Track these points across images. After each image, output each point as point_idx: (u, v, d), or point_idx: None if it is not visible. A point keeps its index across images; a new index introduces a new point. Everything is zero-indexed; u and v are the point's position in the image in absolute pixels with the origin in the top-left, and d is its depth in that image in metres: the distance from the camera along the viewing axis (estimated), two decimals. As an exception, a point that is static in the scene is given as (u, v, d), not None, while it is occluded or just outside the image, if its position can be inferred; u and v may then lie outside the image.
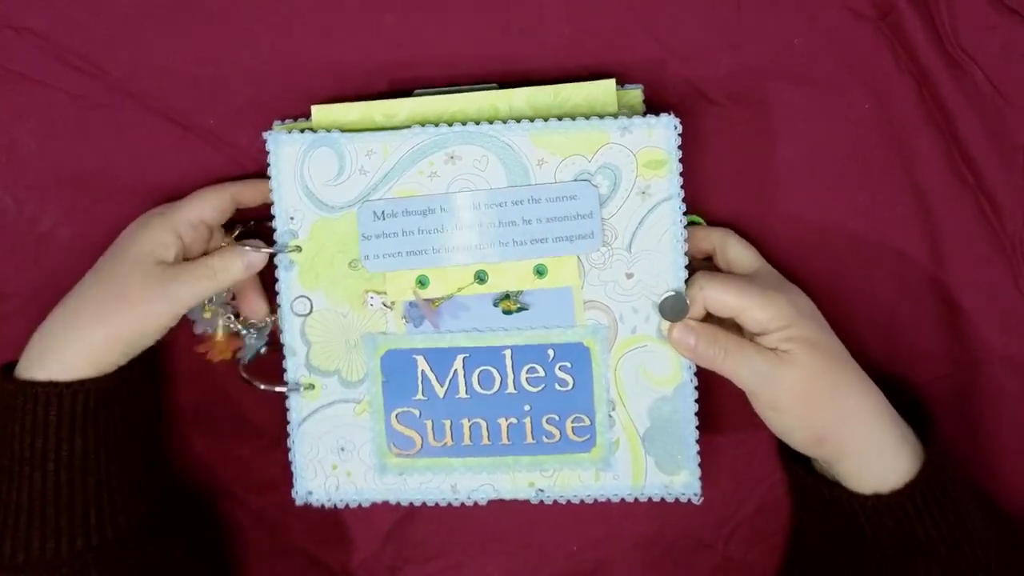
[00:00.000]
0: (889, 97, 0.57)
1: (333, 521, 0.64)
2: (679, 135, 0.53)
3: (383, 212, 0.55)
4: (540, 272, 0.55)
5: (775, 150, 0.58)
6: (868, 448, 0.52)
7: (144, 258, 0.55)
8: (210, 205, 0.57)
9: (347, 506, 0.58)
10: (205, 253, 0.58)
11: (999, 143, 0.56)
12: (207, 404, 0.63)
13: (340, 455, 0.58)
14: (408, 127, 0.55)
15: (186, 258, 0.56)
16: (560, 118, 0.54)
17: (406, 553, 0.63)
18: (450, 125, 0.54)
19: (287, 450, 0.60)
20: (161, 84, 0.59)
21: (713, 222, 0.59)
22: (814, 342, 0.52)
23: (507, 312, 0.56)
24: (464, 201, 0.55)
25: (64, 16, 0.59)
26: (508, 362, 0.56)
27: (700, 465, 0.56)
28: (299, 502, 0.58)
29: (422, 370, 0.57)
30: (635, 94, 0.57)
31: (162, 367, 0.62)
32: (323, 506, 0.58)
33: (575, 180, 0.54)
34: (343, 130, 0.55)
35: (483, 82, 0.58)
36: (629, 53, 0.58)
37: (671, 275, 0.55)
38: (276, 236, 0.56)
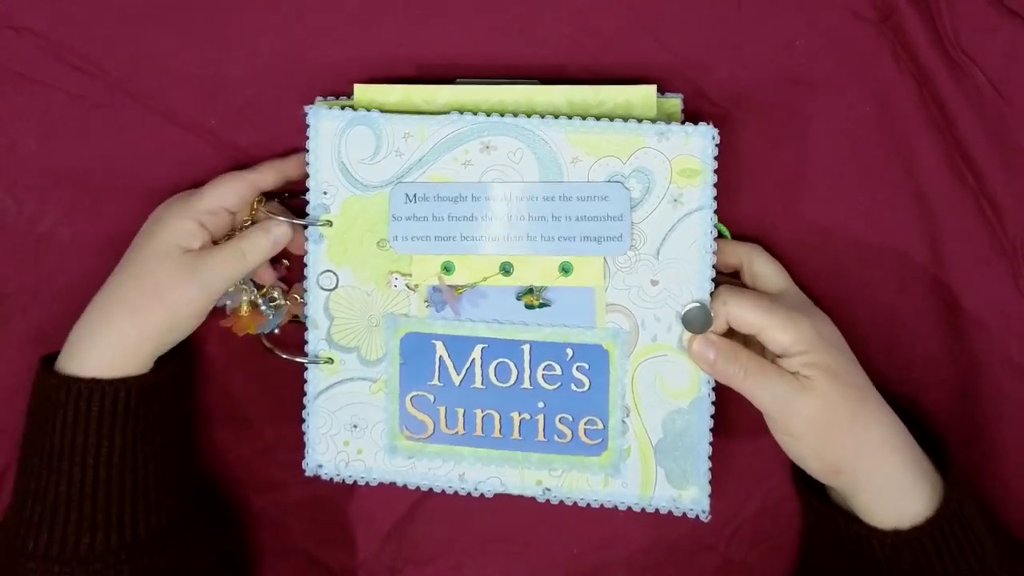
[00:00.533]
0: (890, 98, 0.57)
1: (334, 521, 0.64)
2: (716, 146, 0.53)
3: (415, 195, 0.55)
4: (566, 270, 0.55)
5: (776, 151, 0.58)
6: (885, 483, 0.51)
7: (171, 249, 0.55)
8: (231, 191, 0.56)
9: (355, 483, 0.59)
10: (230, 235, 0.58)
11: (1000, 145, 0.56)
12: (208, 404, 0.63)
13: (352, 432, 0.58)
14: (447, 113, 0.55)
15: (213, 243, 0.57)
16: (598, 118, 0.54)
17: (406, 553, 0.63)
18: (488, 115, 0.55)
19: (288, 450, 0.60)
20: (161, 84, 0.59)
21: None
22: (835, 371, 0.51)
23: (529, 307, 0.56)
24: (497, 192, 0.55)
25: (64, 16, 0.59)
26: (526, 357, 0.56)
27: (711, 482, 0.56)
28: (308, 473, 0.59)
29: (440, 356, 0.57)
30: (674, 103, 0.57)
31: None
32: (331, 480, 0.59)
33: (608, 181, 0.54)
34: (383, 111, 0.56)
35: (524, 77, 0.57)
36: (630, 54, 0.58)
37: (697, 286, 0.54)
38: (309, 209, 0.57)
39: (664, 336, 0.55)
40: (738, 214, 0.58)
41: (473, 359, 0.57)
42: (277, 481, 0.63)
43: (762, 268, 0.57)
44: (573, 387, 0.56)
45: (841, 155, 0.58)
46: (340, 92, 0.59)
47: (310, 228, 0.57)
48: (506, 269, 0.56)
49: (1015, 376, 0.58)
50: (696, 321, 0.54)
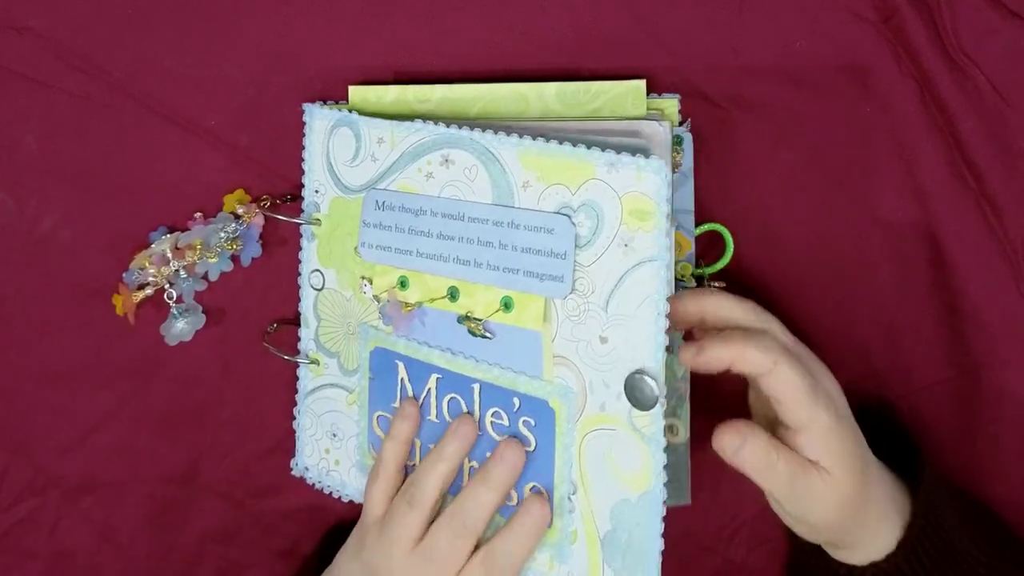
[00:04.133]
0: (891, 100, 0.57)
1: (332, 526, 0.64)
2: (670, 185, 0.45)
3: (383, 203, 0.54)
4: (507, 305, 0.50)
5: (776, 153, 0.58)
6: (870, 541, 0.51)
7: None
8: None
9: (332, 494, 0.59)
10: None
11: (1001, 147, 0.56)
12: (206, 407, 0.63)
13: (332, 441, 0.58)
14: (412, 119, 0.53)
15: None
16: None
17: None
18: (448, 126, 0.51)
19: (286, 454, 0.60)
20: (162, 85, 0.59)
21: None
22: (851, 452, 0.49)
23: (472, 334, 0.51)
24: (451, 209, 0.51)
25: (65, 17, 0.59)
26: (476, 398, 0.52)
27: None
28: (295, 473, 0.59)
29: (401, 378, 0.54)
30: (671, 103, 0.56)
31: (162, 369, 0.62)
32: (314, 485, 0.59)
33: (556, 212, 0.48)
34: (363, 112, 0.55)
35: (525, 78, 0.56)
36: (630, 55, 0.58)
37: (647, 353, 0.45)
38: (303, 206, 0.57)
39: (613, 406, 0.47)
40: (738, 214, 0.58)
41: (429, 388, 0.53)
42: (276, 486, 0.63)
43: (732, 314, 0.50)
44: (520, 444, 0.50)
45: (841, 156, 0.58)
46: (340, 92, 0.59)
47: (303, 226, 0.57)
48: (453, 294, 0.52)
49: (1015, 378, 0.58)
50: (640, 394, 0.45)
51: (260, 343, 0.60)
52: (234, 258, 0.59)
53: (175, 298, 0.59)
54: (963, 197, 0.57)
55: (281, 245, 0.60)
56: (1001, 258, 0.57)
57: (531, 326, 0.49)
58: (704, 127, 0.58)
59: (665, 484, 0.46)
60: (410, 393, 0.54)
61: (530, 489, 0.50)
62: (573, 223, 0.47)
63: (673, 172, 0.54)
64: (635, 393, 0.46)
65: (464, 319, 0.51)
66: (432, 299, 0.53)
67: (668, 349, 0.46)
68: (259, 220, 0.59)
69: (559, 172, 0.48)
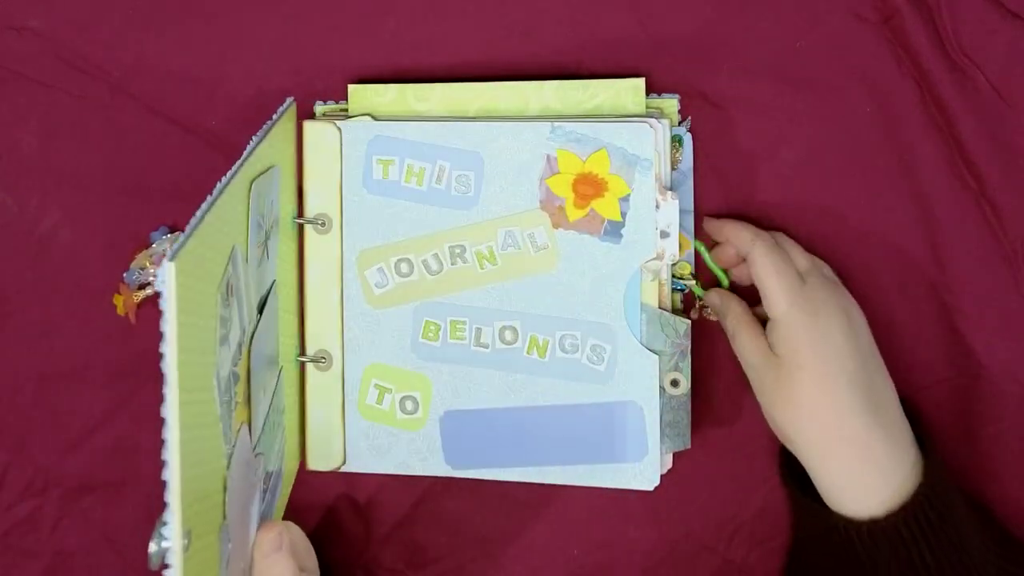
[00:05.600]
0: (891, 101, 0.57)
1: (334, 524, 0.64)
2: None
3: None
4: None
5: (776, 153, 0.58)
6: (846, 470, 0.52)
7: None
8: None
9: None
10: None
11: (1001, 147, 0.56)
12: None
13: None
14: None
15: None
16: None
17: (406, 557, 0.63)
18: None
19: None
20: (162, 85, 0.59)
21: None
22: (821, 357, 0.52)
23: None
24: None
25: (66, 17, 0.59)
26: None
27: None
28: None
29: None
30: (671, 103, 0.57)
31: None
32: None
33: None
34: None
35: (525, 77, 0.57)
36: (630, 55, 0.58)
37: None
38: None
39: None
40: (737, 215, 0.58)
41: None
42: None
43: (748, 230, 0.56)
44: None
45: (841, 156, 0.58)
46: (340, 92, 0.59)
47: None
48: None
49: (1015, 380, 0.58)
50: None
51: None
52: None
53: None
54: (963, 197, 0.57)
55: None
56: (1001, 258, 0.57)
57: None
58: (704, 127, 0.58)
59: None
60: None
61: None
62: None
63: (672, 170, 0.56)
64: None
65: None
66: None
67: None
68: None
69: None
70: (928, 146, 0.57)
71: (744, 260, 0.55)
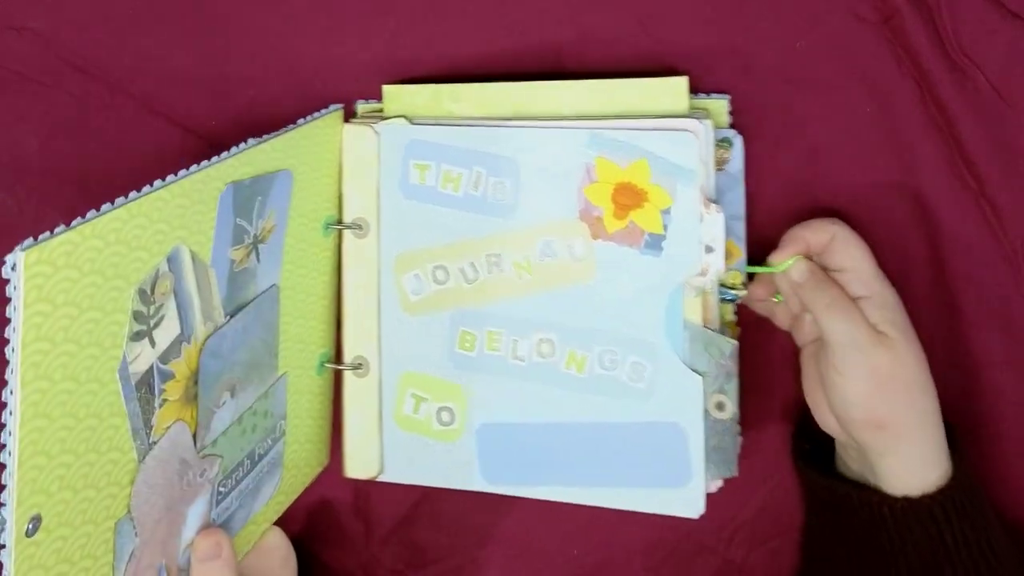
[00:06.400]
0: (891, 101, 0.57)
1: (334, 523, 0.64)
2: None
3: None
4: None
5: (776, 153, 0.58)
6: (919, 450, 0.52)
7: None
8: None
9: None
10: None
11: (1001, 147, 0.56)
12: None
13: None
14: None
15: None
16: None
17: (406, 556, 0.63)
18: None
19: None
20: (162, 85, 0.59)
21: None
22: (911, 337, 0.52)
23: None
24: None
25: (66, 17, 0.59)
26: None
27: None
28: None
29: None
30: (720, 104, 0.56)
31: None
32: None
33: None
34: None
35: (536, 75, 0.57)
36: (630, 55, 0.58)
37: None
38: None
39: None
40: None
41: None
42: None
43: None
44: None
45: (841, 156, 0.58)
46: (340, 92, 0.59)
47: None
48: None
49: (1016, 380, 0.58)
50: None
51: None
52: None
53: None
54: (963, 197, 0.57)
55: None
56: (1001, 258, 0.57)
57: None
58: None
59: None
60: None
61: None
62: None
63: (717, 170, 0.55)
64: None
65: None
66: None
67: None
68: None
69: None
70: (928, 146, 0.57)
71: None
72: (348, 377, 0.59)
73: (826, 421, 0.55)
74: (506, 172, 0.55)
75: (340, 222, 0.58)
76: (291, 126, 0.53)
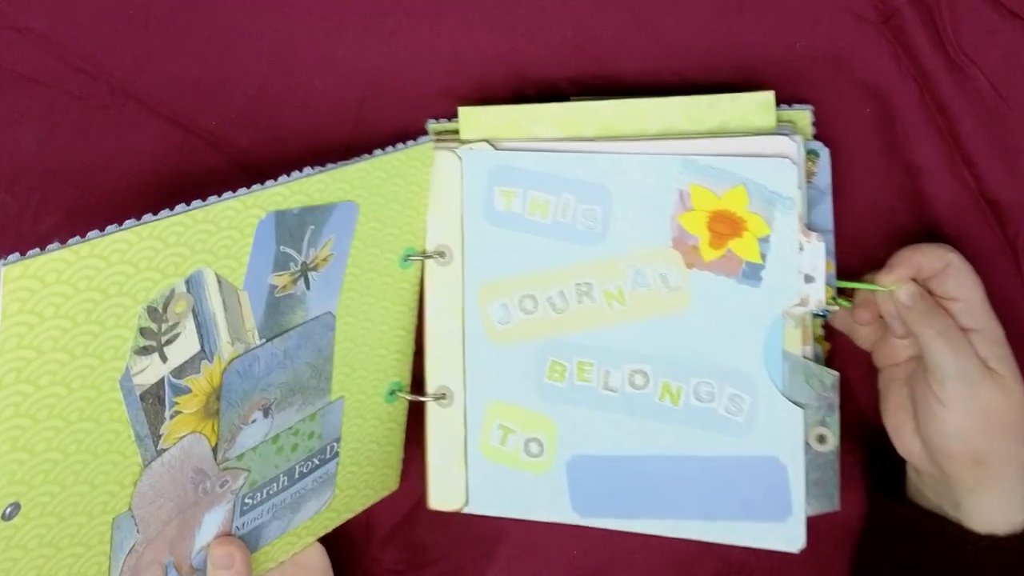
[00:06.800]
0: (891, 101, 0.57)
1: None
2: None
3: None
4: None
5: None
6: (1008, 490, 0.51)
7: None
8: None
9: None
10: None
11: (1001, 147, 0.56)
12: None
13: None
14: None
15: None
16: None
17: (406, 557, 0.63)
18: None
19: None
20: (163, 85, 0.59)
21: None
22: (1019, 376, 0.51)
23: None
24: None
25: (66, 17, 0.59)
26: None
27: None
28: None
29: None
30: (803, 115, 0.55)
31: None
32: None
33: None
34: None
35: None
36: (631, 56, 0.58)
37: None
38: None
39: None
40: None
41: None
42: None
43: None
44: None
45: (841, 157, 0.58)
46: (340, 92, 0.59)
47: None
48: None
49: (1015, 376, 0.58)
50: None
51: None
52: None
53: None
54: (962, 197, 0.57)
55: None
56: (1001, 258, 0.57)
57: None
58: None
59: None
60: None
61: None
62: None
63: (808, 183, 0.54)
64: None
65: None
66: None
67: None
68: None
69: None
70: (928, 145, 0.57)
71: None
72: (431, 407, 0.58)
73: (908, 447, 0.53)
74: (596, 199, 0.54)
75: (423, 252, 0.57)
76: (363, 157, 0.52)
